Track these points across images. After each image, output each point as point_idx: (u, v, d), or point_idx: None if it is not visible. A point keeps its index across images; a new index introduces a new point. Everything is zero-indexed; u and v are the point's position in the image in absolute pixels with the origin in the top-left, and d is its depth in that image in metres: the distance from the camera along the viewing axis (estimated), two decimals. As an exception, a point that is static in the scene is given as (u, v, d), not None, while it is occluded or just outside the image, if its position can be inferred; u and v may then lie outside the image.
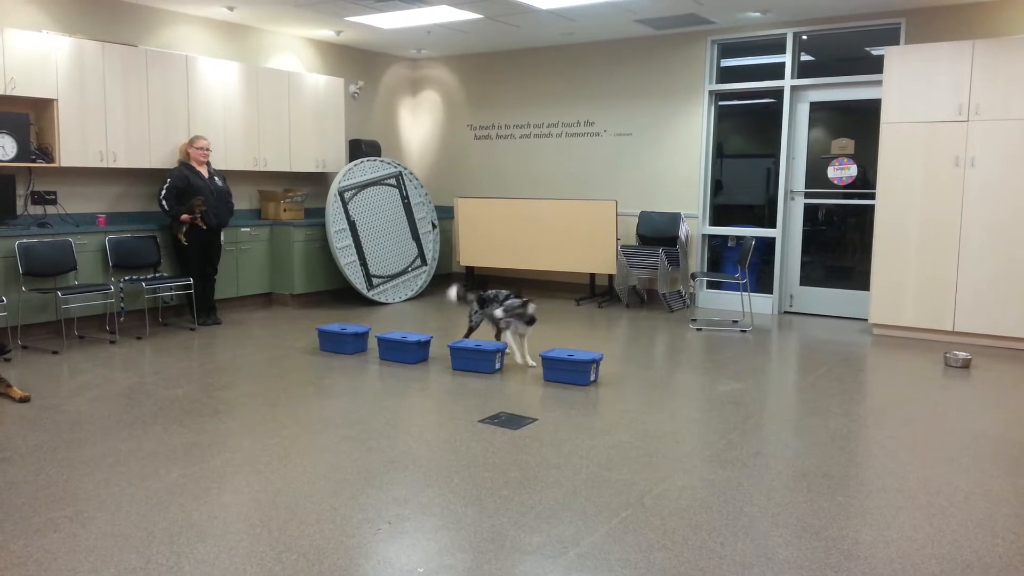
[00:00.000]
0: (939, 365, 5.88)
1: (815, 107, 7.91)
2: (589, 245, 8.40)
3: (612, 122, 8.91)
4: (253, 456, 3.79)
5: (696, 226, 8.45)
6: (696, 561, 2.78)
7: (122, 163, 6.93)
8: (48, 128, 6.53)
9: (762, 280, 8.27)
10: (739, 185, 8.64)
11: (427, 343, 5.79)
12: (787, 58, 7.86)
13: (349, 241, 8.09)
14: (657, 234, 8.40)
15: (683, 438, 4.16)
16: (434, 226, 9.04)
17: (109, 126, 6.81)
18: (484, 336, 5.93)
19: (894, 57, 6.73)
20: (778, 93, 7.98)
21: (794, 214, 8.04)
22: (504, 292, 5.84)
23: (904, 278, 6.78)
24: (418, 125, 10.43)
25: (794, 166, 7.99)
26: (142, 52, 7.06)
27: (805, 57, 7.93)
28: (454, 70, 10.06)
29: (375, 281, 8.28)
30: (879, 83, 6.90)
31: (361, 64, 9.58)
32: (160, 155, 7.18)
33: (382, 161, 8.71)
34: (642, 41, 8.61)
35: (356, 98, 9.50)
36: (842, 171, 7.74)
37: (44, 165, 6.50)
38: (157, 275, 6.97)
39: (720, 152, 8.55)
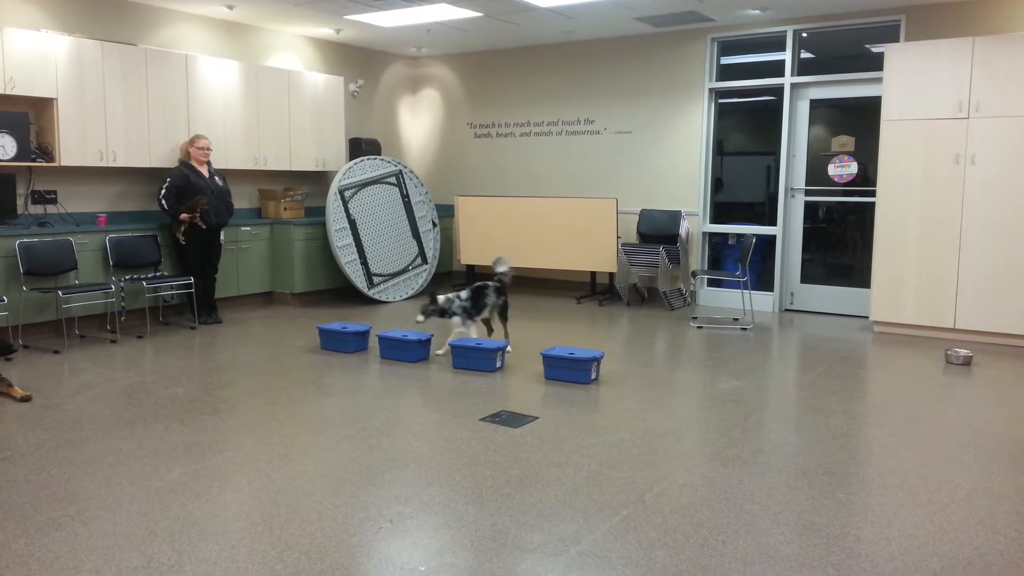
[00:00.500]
0: (940, 362, 5.87)
1: (815, 104, 7.91)
2: (589, 243, 8.39)
3: (612, 120, 8.90)
4: (254, 455, 3.79)
5: (697, 224, 8.44)
6: (697, 559, 2.78)
7: (122, 162, 6.93)
8: (48, 127, 6.53)
9: (763, 278, 8.26)
10: (739, 183, 8.64)
11: (427, 341, 5.79)
12: (787, 55, 7.86)
13: (349, 240, 8.09)
14: (658, 232, 8.40)
15: (684, 436, 4.16)
16: (434, 224, 9.04)
17: (109, 125, 6.81)
18: (438, 333, 5.93)
19: (894, 54, 6.73)
20: (778, 91, 7.97)
21: (794, 212, 8.03)
22: (464, 293, 5.84)
23: (905, 275, 6.78)
24: (418, 123, 10.43)
25: (794, 164, 7.99)
26: (142, 51, 7.06)
27: (805, 54, 7.92)
28: (454, 68, 10.05)
29: (376, 280, 8.28)
30: (879, 80, 6.89)
31: (361, 62, 9.57)
32: (160, 154, 7.17)
33: (382, 160, 8.70)
34: (642, 39, 8.60)
35: (356, 96, 9.50)
36: (842, 168, 7.74)
37: (44, 164, 6.50)
38: (158, 274, 6.97)
39: (720, 150, 8.54)
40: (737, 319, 7.53)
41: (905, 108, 6.68)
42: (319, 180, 8.99)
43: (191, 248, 6.99)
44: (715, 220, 8.56)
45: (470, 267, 9.28)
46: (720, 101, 8.43)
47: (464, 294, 5.82)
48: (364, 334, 6.04)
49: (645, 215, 8.55)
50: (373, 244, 8.32)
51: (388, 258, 8.47)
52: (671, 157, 8.55)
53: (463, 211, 8.99)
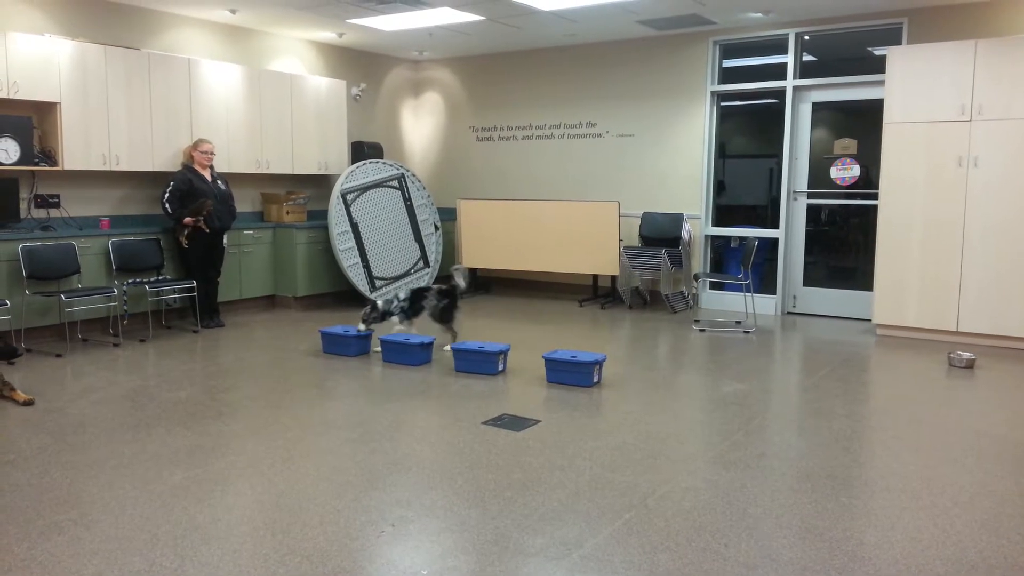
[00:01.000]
0: (943, 365, 5.86)
1: (817, 107, 7.91)
2: (592, 246, 8.39)
3: (614, 123, 8.91)
4: (256, 458, 3.79)
5: (699, 227, 8.44)
6: (700, 563, 2.78)
7: (125, 166, 6.94)
8: (51, 131, 6.54)
9: (765, 281, 8.26)
10: (742, 186, 8.64)
11: (429, 345, 5.79)
12: (789, 58, 7.86)
13: (352, 243, 8.10)
14: (660, 235, 8.40)
15: (686, 439, 4.16)
16: (437, 228, 9.04)
17: (112, 129, 6.82)
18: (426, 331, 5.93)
19: (896, 57, 6.73)
20: (780, 93, 7.97)
21: (797, 214, 8.03)
22: (402, 294, 6.17)
23: (907, 278, 6.77)
24: (420, 127, 10.44)
25: (797, 166, 7.98)
26: (144, 55, 7.07)
27: (807, 57, 7.92)
28: (456, 72, 10.06)
29: (378, 283, 8.28)
30: (881, 83, 6.89)
31: (363, 66, 9.59)
32: (163, 158, 7.19)
33: (384, 163, 8.71)
34: (644, 42, 8.61)
35: (358, 100, 9.51)
36: (845, 171, 7.74)
37: (47, 168, 6.52)
38: (160, 278, 6.98)
39: (722, 153, 8.54)
40: (739, 322, 7.53)
41: (908, 111, 6.68)
42: (321, 184, 9.00)
43: (194, 252, 6.99)
44: (717, 223, 8.56)
45: (472, 270, 9.28)
46: (722, 104, 8.43)
47: (403, 295, 6.18)
48: (367, 337, 6.05)
49: (647, 218, 8.55)
50: (375, 247, 8.32)
51: (390, 261, 8.47)
52: (673, 160, 8.55)
53: (465, 214, 9.00)
